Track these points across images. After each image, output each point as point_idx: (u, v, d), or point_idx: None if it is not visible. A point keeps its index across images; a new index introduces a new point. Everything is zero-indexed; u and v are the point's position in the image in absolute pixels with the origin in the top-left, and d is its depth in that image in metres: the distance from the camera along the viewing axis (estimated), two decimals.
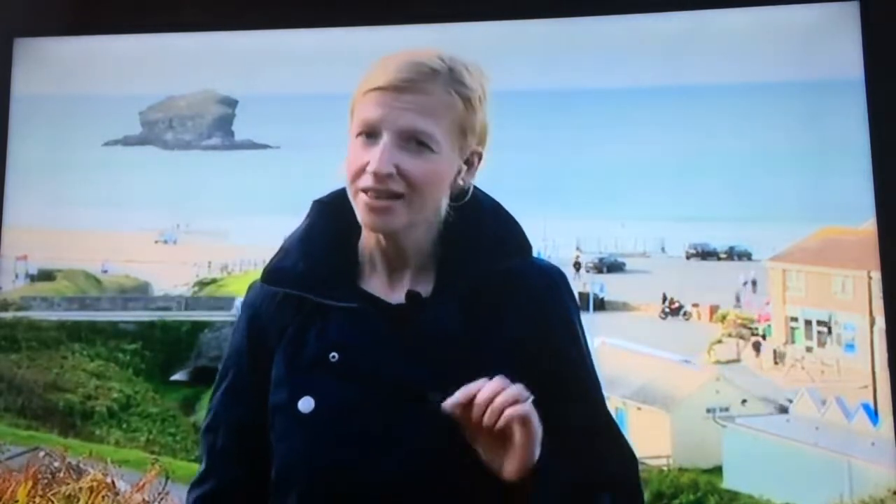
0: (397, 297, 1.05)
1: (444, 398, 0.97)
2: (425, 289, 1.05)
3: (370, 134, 1.01)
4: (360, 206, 1.03)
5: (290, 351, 1.05)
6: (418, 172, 1.00)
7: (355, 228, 1.08)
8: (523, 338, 1.04)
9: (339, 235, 1.09)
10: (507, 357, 1.03)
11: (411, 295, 1.04)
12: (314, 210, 1.12)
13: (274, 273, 1.09)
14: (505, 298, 1.06)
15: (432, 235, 1.07)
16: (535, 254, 1.12)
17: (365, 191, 1.01)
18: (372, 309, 1.04)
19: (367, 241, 1.08)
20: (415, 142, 1.01)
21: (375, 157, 0.99)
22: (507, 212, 1.12)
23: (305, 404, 1.02)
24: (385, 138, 1.00)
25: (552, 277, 1.11)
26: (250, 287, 1.14)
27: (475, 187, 1.11)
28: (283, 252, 1.10)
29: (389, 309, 1.05)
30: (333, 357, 1.02)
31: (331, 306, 1.04)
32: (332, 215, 1.10)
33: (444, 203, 1.06)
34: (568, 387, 1.07)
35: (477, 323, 1.04)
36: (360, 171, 1.01)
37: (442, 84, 1.02)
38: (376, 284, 1.07)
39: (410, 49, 1.05)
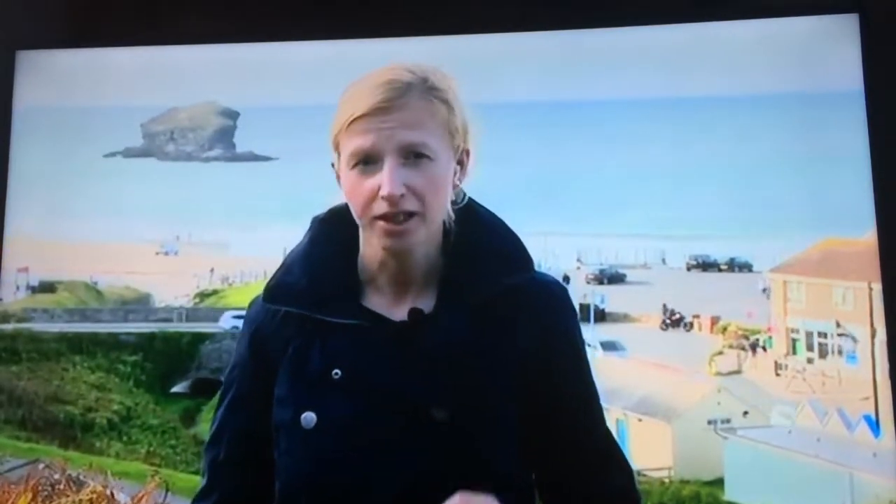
0: (400, 313, 1.06)
1: (448, 415, 0.97)
2: (428, 305, 1.06)
3: (367, 161, 1.01)
4: (377, 232, 1.02)
5: (293, 368, 1.06)
6: (425, 184, 1.01)
7: (355, 244, 1.09)
8: (526, 354, 1.05)
9: (339, 252, 1.09)
10: (510, 373, 1.03)
11: (414, 312, 1.05)
12: (314, 227, 1.13)
13: (276, 290, 1.10)
14: (508, 314, 1.06)
15: (435, 249, 1.07)
16: (535, 266, 1.12)
17: (381, 217, 1.01)
18: (375, 326, 1.05)
19: (370, 258, 1.08)
20: (413, 156, 1.01)
21: (385, 181, 0.99)
22: (507, 226, 1.12)
23: (308, 420, 1.02)
24: (387, 161, 1.00)
25: (554, 292, 1.11)
26: (252, 303, 1.14)
27: (475, 202, 1.12)
28: (285, 268, 1.11)
29: (392, 326, 1.05)
30: (336, 374, 1.02)
31: (334, 323, 1.04)
32: (331, 232, 1.11)
33: (447, 208, 1.07)
34: (571, 403, 1.08)
35: (480, 339, 1.04)
36: (371, 200, 1.01)
37: (418, 94, 1.03)
38: (379, 301, 1.07)
39: (376, 70, 1.05)
